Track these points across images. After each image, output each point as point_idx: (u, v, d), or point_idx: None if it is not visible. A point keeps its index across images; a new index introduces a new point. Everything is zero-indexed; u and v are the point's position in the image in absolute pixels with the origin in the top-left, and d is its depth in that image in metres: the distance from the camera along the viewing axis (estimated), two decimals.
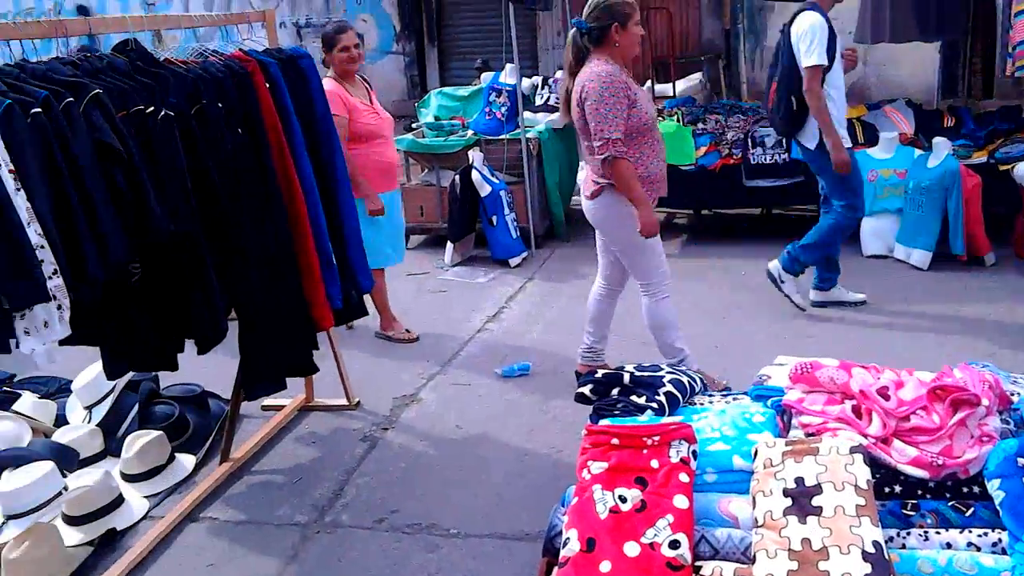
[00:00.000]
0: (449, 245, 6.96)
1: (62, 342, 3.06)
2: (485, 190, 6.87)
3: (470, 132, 7.62)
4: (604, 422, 3.11)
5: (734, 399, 3.34)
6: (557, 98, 8.22)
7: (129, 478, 3.83)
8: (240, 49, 4.05)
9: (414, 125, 8.47)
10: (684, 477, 2.81)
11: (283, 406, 4.48)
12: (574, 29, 4.07)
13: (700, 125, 7.35)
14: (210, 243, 3.50)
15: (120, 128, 3.10)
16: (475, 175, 6.92)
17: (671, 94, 9.30)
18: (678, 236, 7.35)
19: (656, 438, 2.89)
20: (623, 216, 4.06)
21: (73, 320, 2.94)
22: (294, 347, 3.83)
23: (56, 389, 4.68)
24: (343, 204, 4.30)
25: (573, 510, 2.84)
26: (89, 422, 4.17)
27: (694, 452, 2.86)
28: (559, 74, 8.57)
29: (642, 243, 4.10)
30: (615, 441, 2.92)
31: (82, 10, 14.87)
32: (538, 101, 8.22)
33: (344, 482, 3.83)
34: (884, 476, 2.69)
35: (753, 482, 2.73)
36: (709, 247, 6.97)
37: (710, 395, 3.46)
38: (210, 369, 4.13)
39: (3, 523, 3.35)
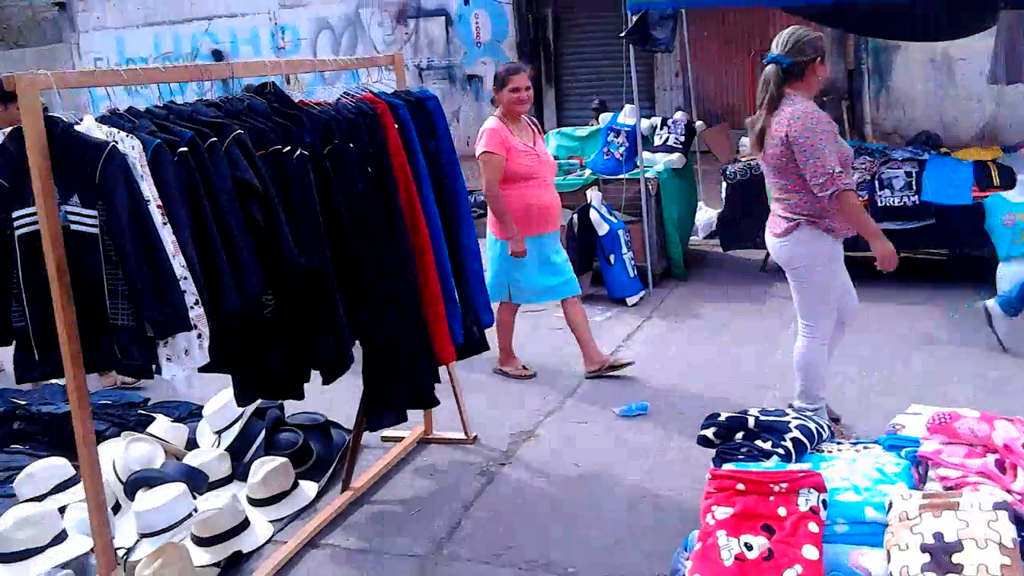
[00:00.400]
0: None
1: (204, 369, 3.22)
2: (603, 229, 6.88)
3: (587, 172, 7.65)
4: (728, 466, 3.06)
5: (864, 448, 3.23)
6: (676, 138, 8.20)
7: (254, 502, 3.93)
8: (371, 91, 4.17)
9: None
10: (814, 527, 2.73)
11: (402, 438, 4.54)
12: (771, 65, 3.99)
13: None
14: (339, 278, 3.60)
15: (259, 166, 3.23)
16: (593, 214, 6.94)
17: None
18: None
19: (784, 485, 2.82)
20: (815, 253, 4.02)
21: (210, 349, 3.07)
22: (416, 380, 3.88)
23: (187, 414, 4.86)
24: (465, 242, 4.37)
25: (697, 556, 2.79)
26: (218, 447, 4.31)
27: (824, 501, 2.78)
28: (678, 115, 8.55)
29: (825, 285, 4.08)
30: (741, 486, 2.86)
31: (217, 54, 15.61)
32: (657, 141, 8.20)
33: (462, 516, 3.85)
34: None
35: (887, 535, 2.64)
36: None
37: (838, 443, 3.35)
38: (332, 399, 4.22)
39: (137, 541, 3.48)
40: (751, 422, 3.29)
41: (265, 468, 3.99)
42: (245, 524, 3.71)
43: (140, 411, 4.76)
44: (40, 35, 19.14)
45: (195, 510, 3.59)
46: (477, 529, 3.74)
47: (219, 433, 4.37)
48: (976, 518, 2.53)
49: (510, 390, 5.23)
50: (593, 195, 7.10)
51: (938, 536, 2.53)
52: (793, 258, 4.12)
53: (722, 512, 2.84)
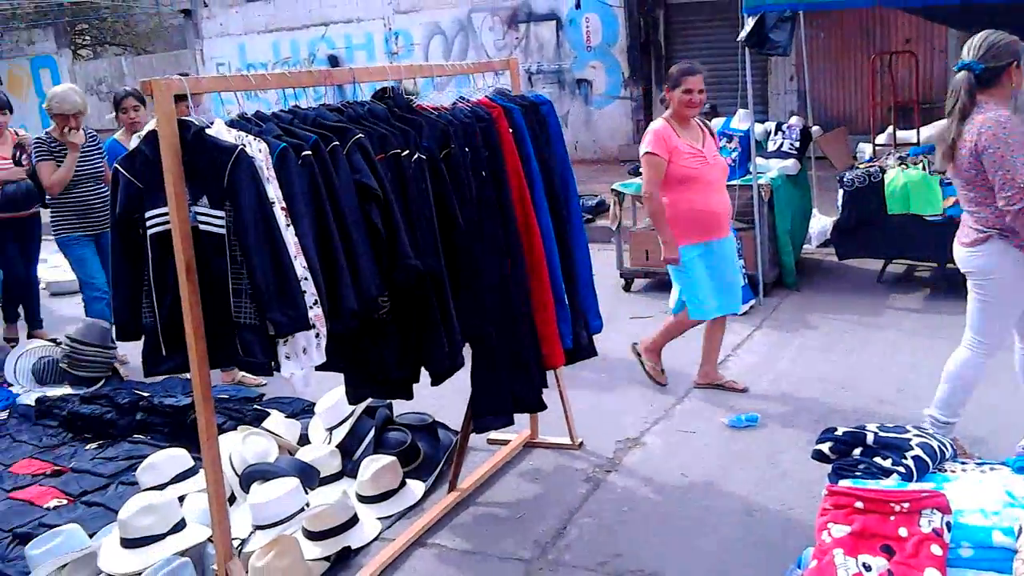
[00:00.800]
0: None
1: (320, 367, 3.29)
2: None
3: None
4: (844, 483, 2.97)
5: (991, 469, 3.09)
6: (791, 144, 8.01)
7: (363, 499, 4.00)
8: (486, 96, 4.20)
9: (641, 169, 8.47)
10: (936, 549, 2.63)
11: (508, 441, 4.55)
12: (962, 72, 3.81)
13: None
14: (452, 280, 3.63)
15: (378, 170, 3.29)
16: None
17: (915, 141, 8.84)
18: (920, 290, 6.94)
19: (906, 505, 2.72)
20: (1004, 268, 3.86)
21: (330, 347, 3.14)
22: (525, 384, 3.89)
23: (300, 410, 4.98)
24: (576, 246, 4.37)
25: (812, 574, 2.71)
26: (329, 443, 4.40)
27: (948, 524, 2.67)
28: (793, 120, 8.36)
29: (1008, 303, 3.91)
30: (860, 504, 2.77)
31: (332, 59, 15.99)
32: (771, 147, 8.04)
33: (567, 521, 3.84)
34: None
35: (1017, 562, 2.52)
36: (954, 303, 6.52)
37: (962, 463, 3.22)
38: (440, 399, 4.26)
39: (251, 532, 3.57)
40: (870, 438, 3.19)
41: (374, 466, 4.06)
42: (354, 520, 3.78)
43: (256, 406, 4.90)
44: (166, 41, 19.97)
45: (307, 505, 3.66)
46: (582, 535, 3.73)
47: (330, 430, 4.46)
48: None
49: (616, 396, 5.20)
50: None
51: None
52: (979, 270, 3.94)
53: (839, 530, 2.76)
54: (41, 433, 5.01)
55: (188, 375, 3.03)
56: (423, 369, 3.72)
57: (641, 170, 5.06)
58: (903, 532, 2.68)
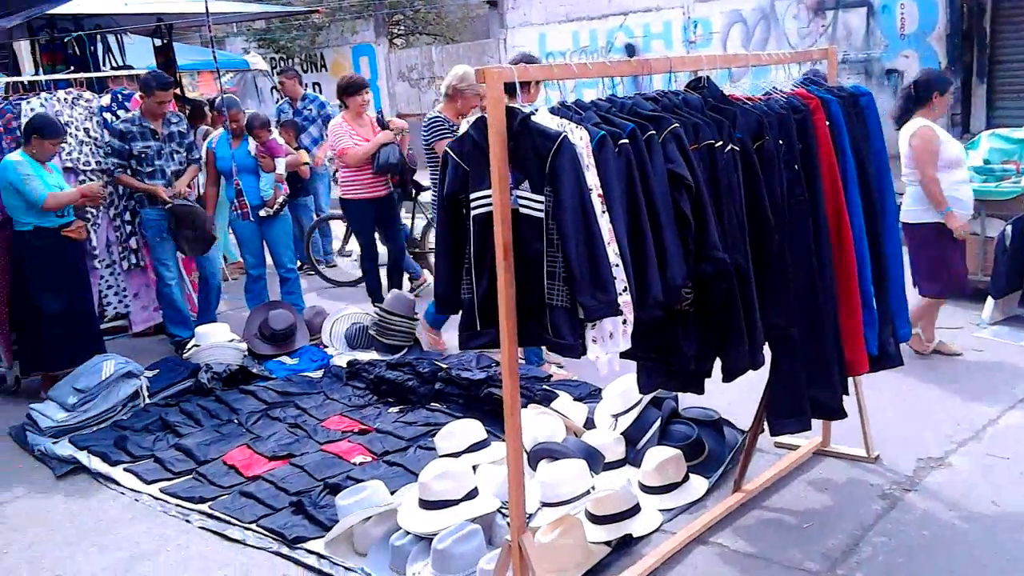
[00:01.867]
0: (990, 301, 6.33)
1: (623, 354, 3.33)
2: None
3: None
4: None
5: None
6: None
7: (646, 489, 4.01)
8: (803, 87, 4.05)
9: None
10: None
11: (797, 447, 4.39)
12: None
13: None
14: (757, 276, 3.54)
15: (691, 160, 3.25)
16: None
17: None
18: None
19: None
20: None
21: (633, 335, 3.17)
22: (826, 389, 3.73)
23: (587, 394, 5.07)
24: (889, 249, 4.12)
25: None
26: (615, 429, 4.44)
27: None
28: None
29: None
30: None
31: (629, 48, 16.07)
32: None
33: (859, 538, 3.64)
34: None
35: None
36: None
37: None
38: (727, 396, 4.17)
39: (538, 508, 3.69)
40: None
41: (659, 457, 4.06)
42: (637, 509, 3.79)
43: (545, 387, 5.04)
44: (473, 31, 20.92)
45: (592, 488, 3.73)
46: (876, 555, 3.52)
47: (616, 417, 4.50)
48: None
49: (919, 409, 4.86)
50: None
51: None
52: None
53: None
54: (350, 393, 5.44)
55: (494, 351, 3.15)
56: (724, 364, 3.66)
57: None
58: None
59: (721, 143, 3.41)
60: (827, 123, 3.89)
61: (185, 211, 6.40)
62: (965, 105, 13.31)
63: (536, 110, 3.03)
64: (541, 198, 2.95)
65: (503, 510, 3.72)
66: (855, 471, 4.22)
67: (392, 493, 4.01)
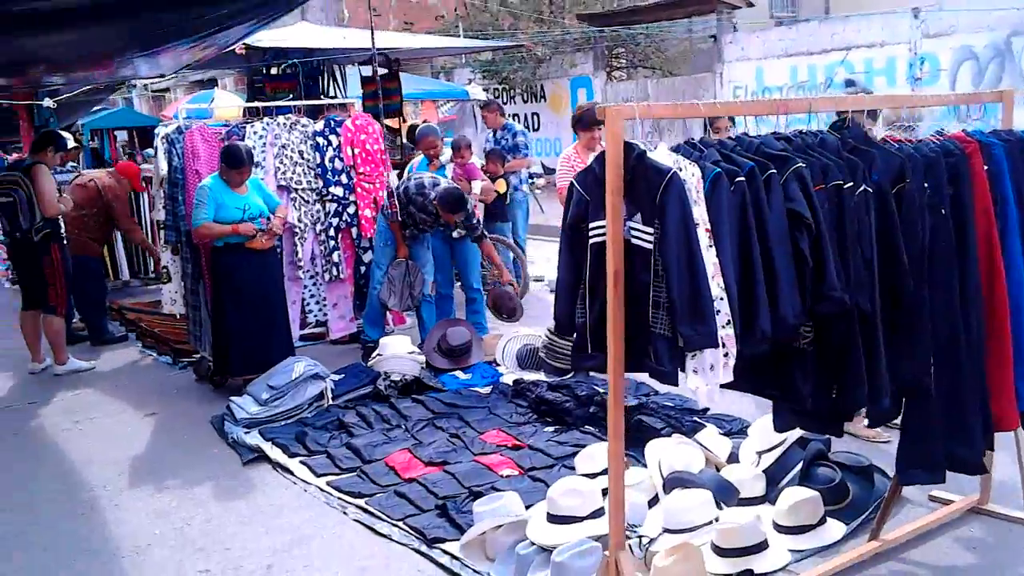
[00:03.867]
0: None
1: (733, 386, 3.41)
2: None
3: None
4: None
5: None
6: None
7: (779, 528, 3.99)
8: (964, 130, 3.96)
9: None
10: None
11: (952, 501, 4.23)
12: None
13: None
14: (891, 321, 3.50)
15: (814, 200, 3.29)
16: None
17: None
18: None
19: None
20: None
21: (748, 369, 3.24)
22: (963, 442, 3.61)
23: (738, 429, 5.08)
24: None
25: None
26: (757, 466, 4.45)
27: None
28: None
29: None
30: None
31: (849, 83, 15.58)
32: None
33: None
34: None
35: None
36: None
37: None
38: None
39: (660, 533, 3.78)
40: None
41: (795, 497, 4.04)
42: (763, 545, 3.80)
43: (695, 419, 5.10)
44: (692, 64, 20.94)
45: (716, 519, 3.78)
46: None
47: (760, 454, 4.51)
48: None
49: None
50: None
51: None
52: None
53: None
54: (512, 410, 5.72)
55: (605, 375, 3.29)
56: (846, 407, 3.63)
57: None
58: None
59: (852, 184, 3.42)
60: (985, 168, 3.79)
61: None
62: None
63: (656, 146, 3.19)
64: (651, 230, 3.10)
65: (627, 532, 3.83)
66: (1013, 534, 4.02)
67: (528, 507, 4.22)
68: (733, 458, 4.68)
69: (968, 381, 3.62)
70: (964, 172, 3.73)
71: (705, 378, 3.04)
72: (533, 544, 3.84)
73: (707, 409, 5.40)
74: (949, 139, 3.81)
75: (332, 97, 10.08)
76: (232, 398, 6.05)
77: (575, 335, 3.33)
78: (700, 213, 3.08)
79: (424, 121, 13.95)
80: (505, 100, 21.47)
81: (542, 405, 5.58)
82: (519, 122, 14.72)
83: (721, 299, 3.02)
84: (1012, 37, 13.86)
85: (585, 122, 7.01)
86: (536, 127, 21.52)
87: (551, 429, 5.34)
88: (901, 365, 3.53)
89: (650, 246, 3.10)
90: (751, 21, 17.37)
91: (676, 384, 3.08)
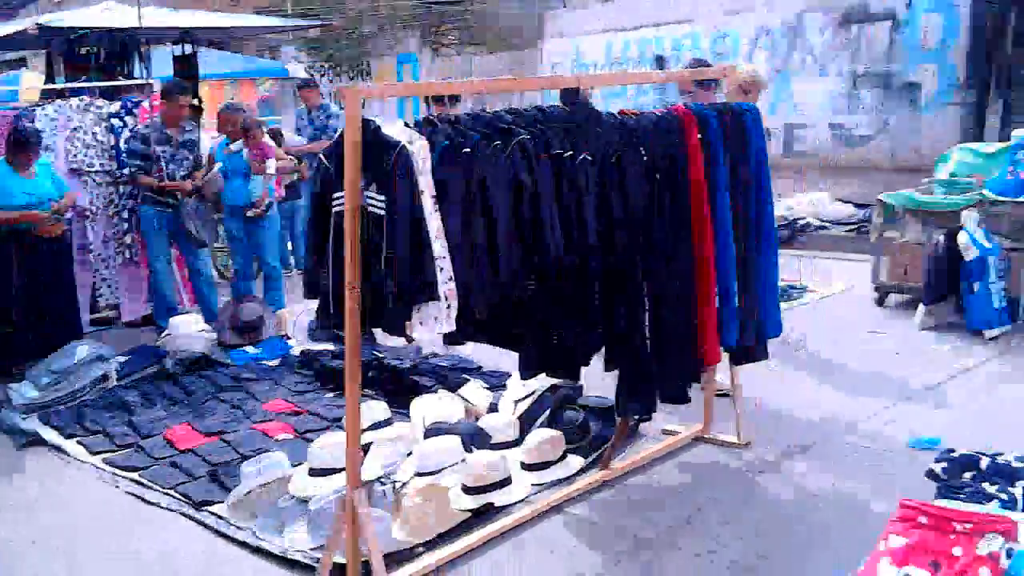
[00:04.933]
0: (921, 307, 6.59)
1: (471, 338, 3.79)
2: (971, 253, 6.37)
3: (987, 192, 7.08)
4: (941, 502, 2.95)
5: None
6: None
7: (524, 466, 4.41)
8: (684, 103, 4.42)
9: (924, 180, 8.09)
10: (985, 573, 2.58)
11: (679, 432, 4.75)
12: None
13: None
14: (611, 273, 3.94)
15: (534, 168, 3.67)
16: (962, 237, 6.45)
17: None
18: None
19: (968, 526, 2.70)
20: None
21: (483, 322, 3.62)
22: (672, 376, 4.10)
23: (502, 383, 5.46)
24: (761, 254, 4.48)
25: None
26: (513, 414, 4.86)
27: (1009, 551, 2.60)
28: None
29: None
30: (923, 520, 2.77)
31: (659, 60, 16.34)
32: None
33: (697, 512, 4.01)
34: None
35: None
36: None
37: None
38: None
39: (412, 476, 4.13)
40: (984, 463, 3.15)
41: (539, 437, 4.46)
42: (507, 482, 4.20)
43: (465, 375, 5.48)
44: (519, 41, 21.36)
45: (463, 461, 4.15)
46: (703, 526, 3.90)
47: (516, 402, 4.92)
48: None
49: (802, 404, 5.18)
50: (968, 216, 6.60)
51: None
52: None
53: (896, 541, 2.78)
54: (297, 380, 5.94)
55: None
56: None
57: None
58: (957, 551, 2.66)
59: (572, 153, 3.82)
60: (700, 137, 4.25)
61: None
62: (979, 121, 13.36)
63: (393, 122, 3.51)
64: (383, 197, 3.41)
65: (383, 479, 4.16)
66: (723, 456, 4.59)
67: (296, 465, 4.46)
68: (493, 408, 5.08)
69: (678, 326, 4.12)
70: (679, 140, 4.19)
71: (429, 328, 3.37)
72: (293, 497, 4.11)
73: (480, 367, 5.79)
74: (669, 111, 4.26)
75: (137, 79, 9.94)
76: (10, 384, 5.98)
77: (319, 297, 3.61)
78: (427, 181, 3.40)
79: (233, 99, 13.83)
80: (332, 78, 21.40)
81: (326, 373, 5.83)
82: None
83: (444, 258, 3.36)
84: (804, 14, 14.88)
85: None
86: (363, 105, 21.51)
87: (331, 395, 5.60)
88: (618, 313, 3.99)
89: (382, 212, 3.41)
90: None
91: (403, 335, 3.41)
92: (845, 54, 14.52)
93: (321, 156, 3.68)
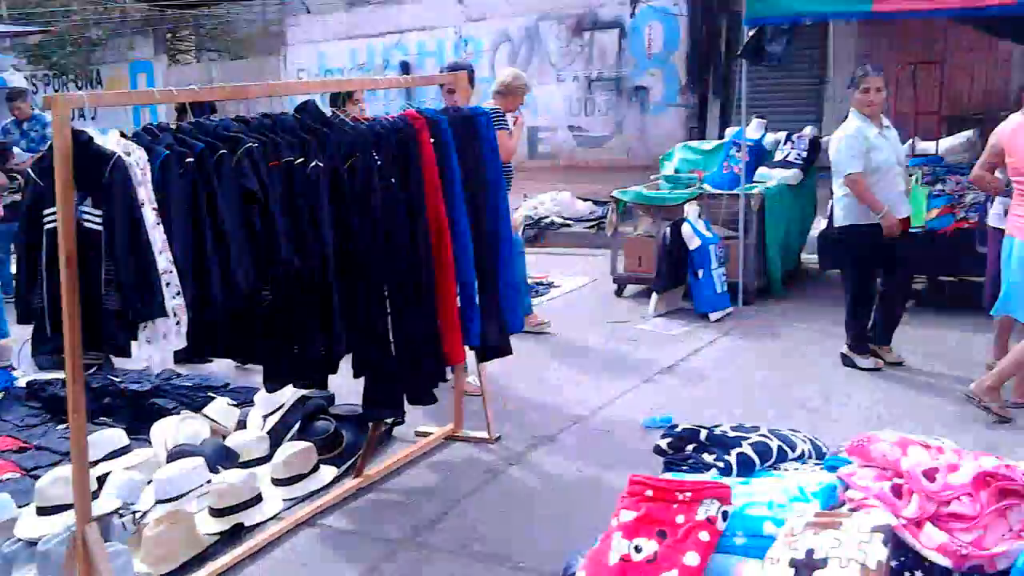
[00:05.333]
0: (653, 296, 7.04)
1: (206, 352, 3.64)
2: (694, 243, 6.88)
3: (705, 186, 7.65)
4: (666, 475, 3.15)
5: (811, 468, 3.22)
6: (799, 154, 8.02)
7: (275, 482, 4.31)
8: (417, 108, 4.48)
9: (652, 177, 8.64)
10: (704, 536, 2.78)
11: (431, 433, 4.81)
12: None
13: (939, 186, 6.89)
14: (350, 278, 3.92)
15: (263, 177, 3.59)
16: (686, 228, 6.95)
17: (933, 152, 8.67)
18: None
19: (688, 494, 2.87)
20: None
21: (216, 335, 3.50)
22: (415, 377, 4.15)
23: (249, 399, 5.32)
24: (500, 252, 4.62)
25: (590, 554, 2.90)
26: (262, 429, 4.73)
27: (724, 513, 2.82)
28: (807, 130, 8.34)
29: None
30: (649, 493, 2.94)
31: (404, 66, 16.45)
32: (777, 156, 8.08)
33: (449, 508, 4.08)
34: (908, 560, 2.52)
35: (771, 549, 2.65)
36: (927, 316, 6.49)
37: (802, 462, 3.34)
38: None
39: (153, 505, 3.93)
40: (703, 435, 3.36)
41: (288, 451, 4.37)
42: (257, 500, 4.09)
43: (209, 393, 5.28)
44: (258, 47, 20.80)
45: (208, 482, 4.00)
46: (457, 521, 3.97)
47: (265, 417, 4.80)
48: (850, 538, 2.53)
49: (552, 395, 5.40)
50: (690, 209, 7.11)
51: (809, 552, 2.54)
52: None
53: (627, 515, 2.93)
54: (25, 413, 5.48)
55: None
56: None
57: None
58: (680, 519, 2.84)
59: (302, 160, 3.77)
60: (432, 140, 4.32)
61: None
62: (702, 119, 14.44)
63: (107, 132, 3.32)
64: (100, 212, 3.22)
65: (121, 511, 3.93)
66: (475, 452, 4.69)
67: (23, 505, 4.13)
68: (242, 425, 4.93)
69: (420, 328, 4.17)
70: (413, 145, 4.24)
71: (158, 346, 3.22)
72: (20, 540, 3.80)
73: (227, 384, 5.59)
74: (401, 116, 4.29)
75: None
76: None
77: (33, 320, 3.36)
78: (147, 193, 3.24)
79: None
80: (57, 87, 19.96)
81: (56, 403, 5.43)
82: None
83: (170, 272, 3.22)
84: (539, 22, 15.47)
85: None
86: (94, 116, 20.26)
87: (63, 426, 5.23)
88: (357, 318, 3.98)
89: (100, 227, 3.22)
90: (324, 3, 17.67)
91: (129, 355, 3.25)
92: (580, 60, 15.28)
93: (28, 170, 3.44)
